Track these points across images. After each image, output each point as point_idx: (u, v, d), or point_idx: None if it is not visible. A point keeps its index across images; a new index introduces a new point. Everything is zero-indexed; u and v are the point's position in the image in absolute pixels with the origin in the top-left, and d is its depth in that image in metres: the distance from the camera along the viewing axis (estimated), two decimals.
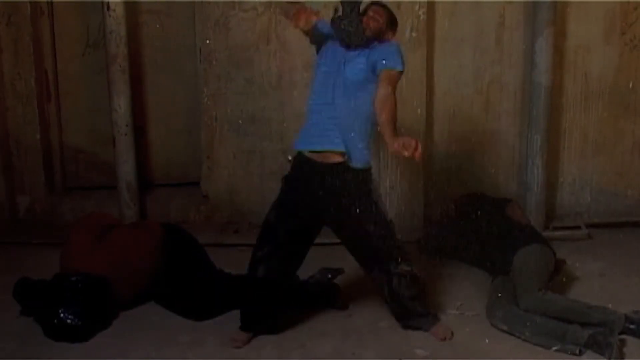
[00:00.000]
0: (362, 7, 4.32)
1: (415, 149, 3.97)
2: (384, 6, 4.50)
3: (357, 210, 4.34)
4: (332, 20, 4.29)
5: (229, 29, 5.89)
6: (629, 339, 4.48)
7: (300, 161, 4.41)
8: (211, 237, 5.78)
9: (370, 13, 4.40)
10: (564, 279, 5.18)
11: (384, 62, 4.27)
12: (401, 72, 4.36)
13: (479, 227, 5.41)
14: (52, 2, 6.11)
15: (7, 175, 6.13)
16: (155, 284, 4.95)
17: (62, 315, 4.54)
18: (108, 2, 5.67)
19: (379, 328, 4.64)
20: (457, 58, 6.06)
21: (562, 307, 4.62)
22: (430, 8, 5.87)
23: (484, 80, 6.11)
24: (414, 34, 5.83)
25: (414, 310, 4.59)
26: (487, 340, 4.53)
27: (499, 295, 4.80)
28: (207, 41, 5.93)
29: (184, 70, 6.26)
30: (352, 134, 4.29)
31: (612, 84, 6.20)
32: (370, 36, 4.31)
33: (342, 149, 4.27)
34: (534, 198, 6.06)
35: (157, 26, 6.19)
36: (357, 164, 4.33)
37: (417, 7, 5.80)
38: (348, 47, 4.31)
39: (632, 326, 4.53)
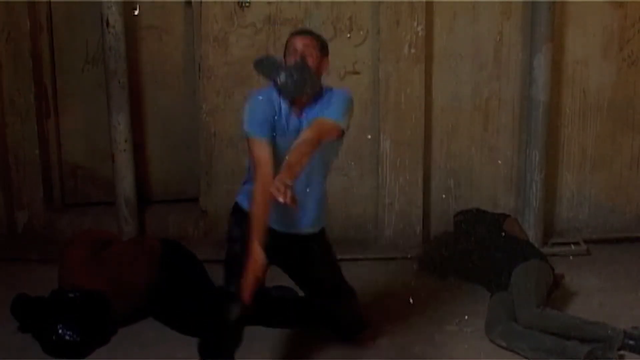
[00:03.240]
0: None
1: (284, 194, 3.39)
2: (308, 32, 4.12)
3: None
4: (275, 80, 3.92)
5: (227, 45, 5.91)
6: (628, 355, 4.48)
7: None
8: (210, 253, 5.76)
9: (299, 47, 3.94)
10: (563, 295, 5.18)
11: (324, 112, 3.90)
12: (337, 126, 3.89)
13: (478, 243, 5.42)
14: (51, 18, 6.12)
15: (5, 190, 6.13)
16: (153, 300, 4.94)
17: (60, 331, 4.53)
18: (107, 19, 5.68)
19: (376, 345, 4.64)
20: (456, 74, 6.07)
21: (561, 322, 4.62)
22: (429, 24, 5.89)
23: (483, 96, 6.12)
24: (412, 50, 5.85)
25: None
26: (486, 356, 4.52)
27: (498, 311, 4.79)
28: (206, 57, 5.95)
29: (183, 86, 6.27)
30: (309, 203, 4.06)
31: (610, 100, 6.21)
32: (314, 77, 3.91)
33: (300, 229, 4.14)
34: (533, 213, 6.06)
35: (156, 42, 6.20)
36: (312, 230, 4.21)
37: (415, 23, 5.82)
38: (296, 102, 3.94)
39: (631, 342, 4.53)
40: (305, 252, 4.22)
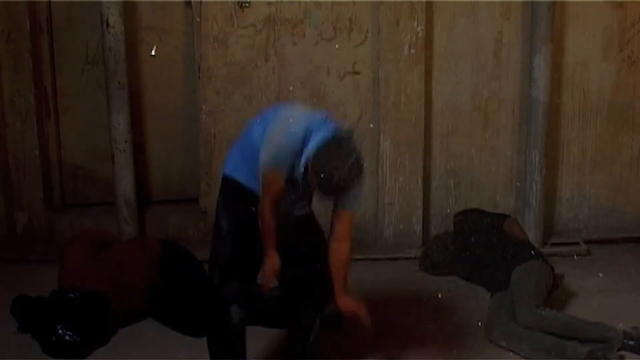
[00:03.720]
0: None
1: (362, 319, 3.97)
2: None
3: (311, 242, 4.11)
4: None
5: (227, 46, 5.91)
6: (628, 355, 4.48)
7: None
8: (209, 254, 5.76)
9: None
10: (563, 295, 5.18)
11: (346, 202, 3.92)
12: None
13: (478, 243, 5.41)
14: (51, 19, 6.12)
15: (5, 191, 6.13)
16: (153, 300, 4.94)
17: (60, 331, 4.53)
18: (107, 19, 5.68)
19: (376, 345, 4.63)
20: (456, 74, 6.08)
21: (560, 323, 4.62)
22: (429, 25, 5.89)
23: (482, 97, 6.12)
24: (412, 51, 5.86)
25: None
26: (486, 357, 4.52)
27: (498, 311, 4.80)
28: (206, 57, 5.95)
29: (183, 87, 6.27)
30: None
31: (610, 100, 6.21)
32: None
33: None
34: (533, 214, 6.06)
35: (156, 42, 6.20)
36: None
37: (415, 23, 5.82)
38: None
39: (630, 342, 4.53)
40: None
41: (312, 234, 4.15)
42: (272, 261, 3.86)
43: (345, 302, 4.02)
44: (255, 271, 4.02)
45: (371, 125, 6.00)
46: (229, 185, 3.99)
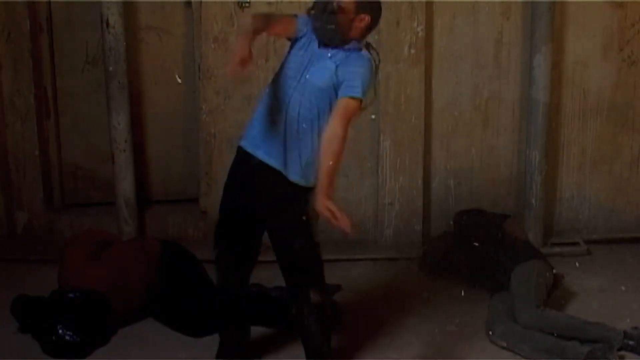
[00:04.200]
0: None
1: (340, 221, 3.63)
2: None
3: (284, 220, 4.01)
4: (309, 15, 3.97)
5: (227, 45, 5.90)
6: (628, 355, 4.48)
7: (241, 153, 4.13)
8: (209, 254, 5.75)
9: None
10: (563, 295, 5.18)
11: (344, 86, 3.86)
12: (361, 103, 3.87)
13: (478, 244, 5.41)
14: (51, 19, 6.12)
15: (5, 191, 6.12)
16: (153, 301, 4.94)
17: (60, 331, 4.53)
18: (107, 19, 5.68)
19: (376, 346, 4.64)
20: (456, 74, 6.07)
21: (560, 323, 4.62)
22: (429, 25, 5.89)
23: (482, 97, 6.12)
24: (412, 51, 5.85)
25: (320, 348, 4.20)
26: (486, 357, 4.52)
27: (498, 311, 4.80)
28: (206, 58, 5.95)
29: (183, 87, 6.26)
30: (298, 144, 3.93)
31: (610, 100, 6.21)
32: (344, 34, 3.90)
33: (280, 166, 3.95)
34: (533, 214, 6.06)
35: (156, 42, 6.19)
36: (294, 177, 3.96)
37: (415, 23, 5.82)
38: (324, 45, 3.92)
39: (630, 342, 4.54)
40: (271, 197, 4.03)
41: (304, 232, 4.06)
42: (242, 49, 3.79)
43: (323, 206, 3.68)
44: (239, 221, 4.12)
45: (372, 117, 5.96)
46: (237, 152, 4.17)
